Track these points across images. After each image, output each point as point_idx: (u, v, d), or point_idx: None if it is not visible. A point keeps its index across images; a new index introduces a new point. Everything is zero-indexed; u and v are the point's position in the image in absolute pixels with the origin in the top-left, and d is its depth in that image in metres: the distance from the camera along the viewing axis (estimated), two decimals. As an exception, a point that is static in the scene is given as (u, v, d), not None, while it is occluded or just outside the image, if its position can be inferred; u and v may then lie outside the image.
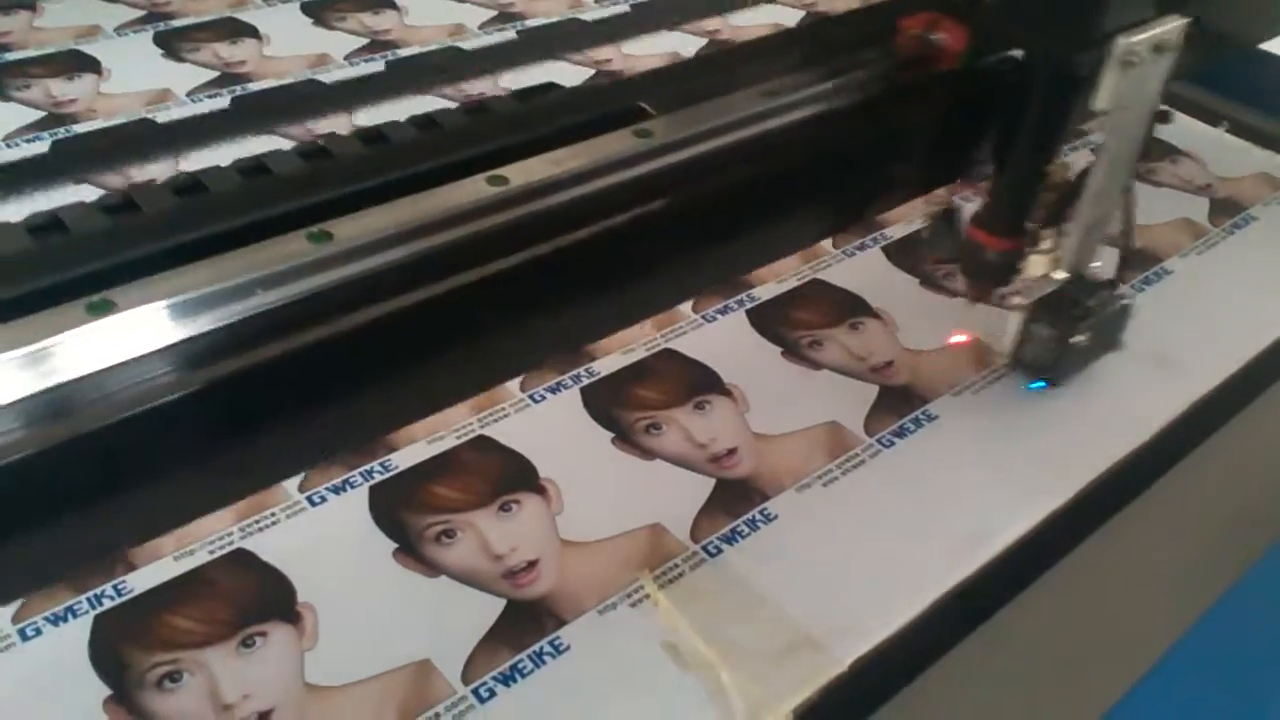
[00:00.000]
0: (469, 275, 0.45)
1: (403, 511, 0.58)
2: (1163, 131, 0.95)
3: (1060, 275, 0.63)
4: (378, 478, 0.59)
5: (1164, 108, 0.62)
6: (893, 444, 0.64)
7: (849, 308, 0.74)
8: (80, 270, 0.39)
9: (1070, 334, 0.64)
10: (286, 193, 0.43)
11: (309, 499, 0.58)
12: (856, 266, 0.78)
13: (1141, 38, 0.55)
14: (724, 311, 0.73)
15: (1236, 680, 0.57)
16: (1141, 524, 0.66)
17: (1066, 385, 0.68)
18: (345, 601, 0.53)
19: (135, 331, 0.38)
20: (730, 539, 0.58)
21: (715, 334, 0.71)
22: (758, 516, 0.59)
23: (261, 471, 0.47)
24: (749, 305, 0.74)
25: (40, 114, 0.87)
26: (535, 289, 0.47)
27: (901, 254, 0.79)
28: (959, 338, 0.73)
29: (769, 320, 0.73)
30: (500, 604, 0.54)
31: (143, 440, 0.40)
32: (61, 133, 0.85)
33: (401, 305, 0.43)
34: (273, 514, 0.57)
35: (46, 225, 0.42)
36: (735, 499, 0.60)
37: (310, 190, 0.43)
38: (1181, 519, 0.66)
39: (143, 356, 0.39)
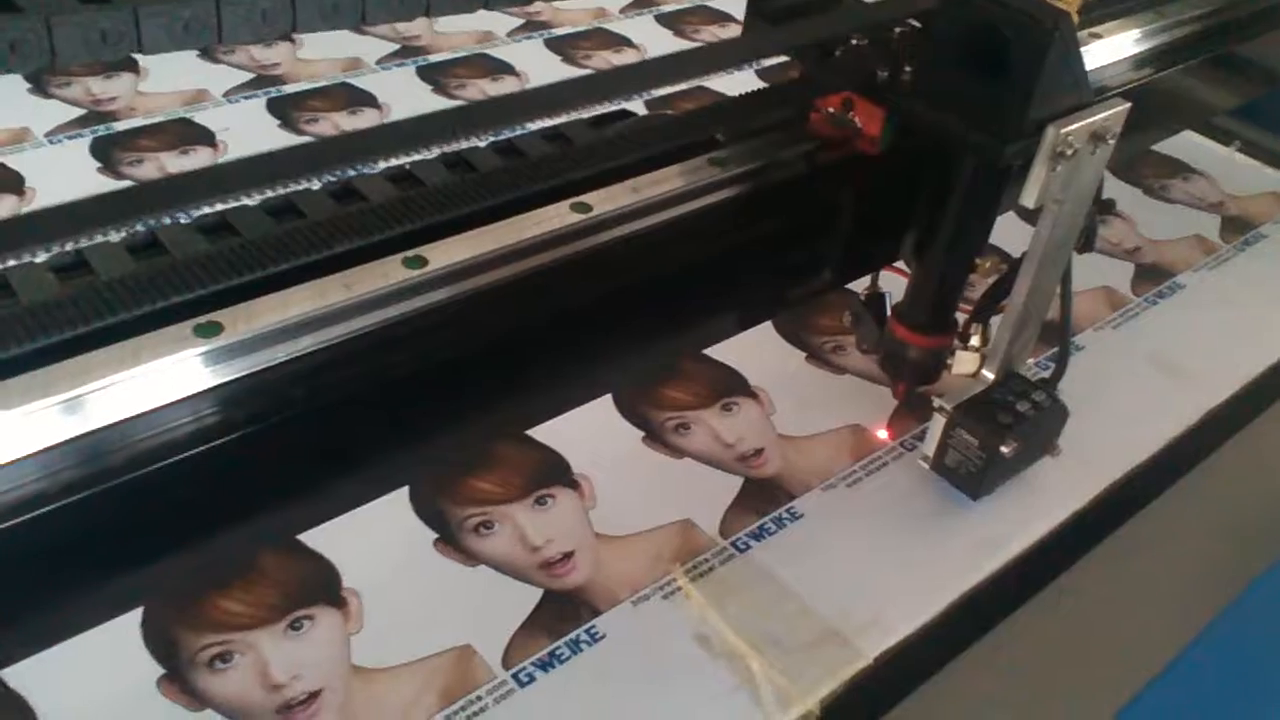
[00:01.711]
0: (557, 300, 0.47)
1: (443, 502, 0.60)
2: (1176, 149, 0.98)
3: (989, 374, 0.59)
4: (417, 470, 0.61)
5: (1107, 197, 0.57)
6: (915, 447, 0.66)
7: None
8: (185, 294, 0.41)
9: (997, 444, 0.57)
10: (380, 219, 0.45)
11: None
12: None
13: (1076, 127, 0.49)
14: (750, 316, 0.75)
15: (1245, 681, 0.59)
16: (1155, 528, 0.68)
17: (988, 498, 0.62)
18: (389, 589, 0.55)
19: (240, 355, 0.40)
20: (758, 535, 0.60)
21: (742, 340, 0.73)
22: (784, 515, 0.61)
23: (354, 494, 0.49)
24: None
25: (81, 111, 0.89)
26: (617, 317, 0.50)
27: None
28: (882, 433, 0.67)
29: (794, 326, 0.75)
30: (538, 594, 0.56)
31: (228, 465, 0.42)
32: (102, 130, 0.87)
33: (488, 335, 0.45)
34: (316, 503, 0.59)
35: (147, 245, 0.44)
36: (763, 497, 0.62)
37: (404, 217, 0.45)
38: (1195, 523, 0.68)
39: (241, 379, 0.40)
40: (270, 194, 0.42)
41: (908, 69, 0.53)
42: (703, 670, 0.53)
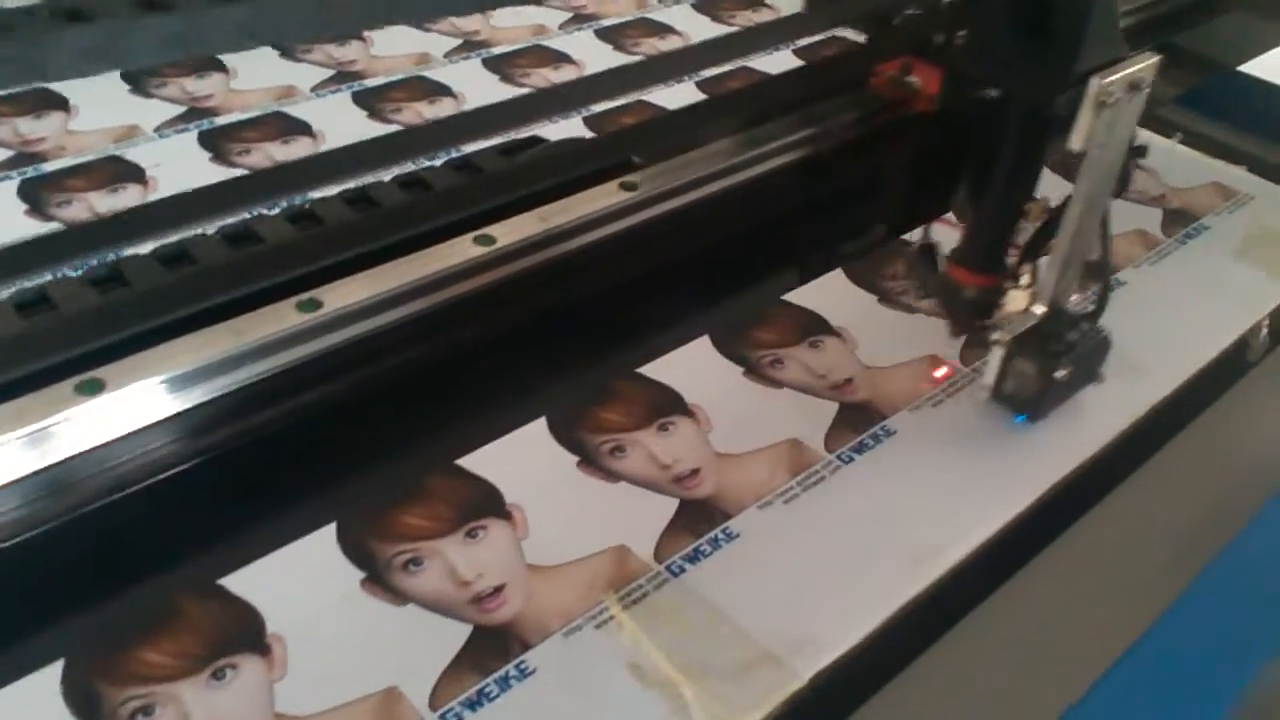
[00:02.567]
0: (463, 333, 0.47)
1: (370, 540, 0.59)
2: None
3: (1040, 310, 0.65)
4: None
5: (1139, 143, 0.63)
6: (852, 460, 0.66)
7: (809, 327, 0.76)
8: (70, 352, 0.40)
9: (1052, 369, 0.64)
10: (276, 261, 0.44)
11: (278, 530, 0.59)
12: (817, 286, 0.80)
13: (1115, 77, 0.56)
14: (688, 333, 0.74)
15: (1190, 680, 0.58)
16: (1100, 531, 0.67)
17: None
18: (315, 633, 0.54)
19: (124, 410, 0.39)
20: (693, 558, 0.59)
21: (678, 356, 0.73)
22: (720, 535, 0.61)
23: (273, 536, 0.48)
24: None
25: (10, 153, 0.88)
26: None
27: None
28: (941, 370, 0.73)
29: (733, 340, 0.74)
30: (467, 629, 0.55)
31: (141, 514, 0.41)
32: (30, 171, 0.86)
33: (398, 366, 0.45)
34: (243, 546, 0.58)
35: (35, 301, 0.43)
36: (699, 519, 0.62)
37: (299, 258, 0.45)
38: (1142, 520, 0.68)
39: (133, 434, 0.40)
40: (164, 241, 0.42)
41: (960, 33, 0.60)
42: (635, 701, 0.52)
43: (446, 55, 1.06)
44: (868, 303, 0.78)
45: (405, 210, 0.48)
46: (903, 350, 0.74)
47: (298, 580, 0.56)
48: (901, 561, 0.60)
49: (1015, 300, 0.65)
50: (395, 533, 0.59)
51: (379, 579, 0.57)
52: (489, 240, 0.48)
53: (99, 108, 0.93)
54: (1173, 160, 0.97)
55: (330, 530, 0.59)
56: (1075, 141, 0.56)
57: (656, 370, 0.71)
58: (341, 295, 0.44)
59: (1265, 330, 0.81)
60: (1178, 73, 0.85)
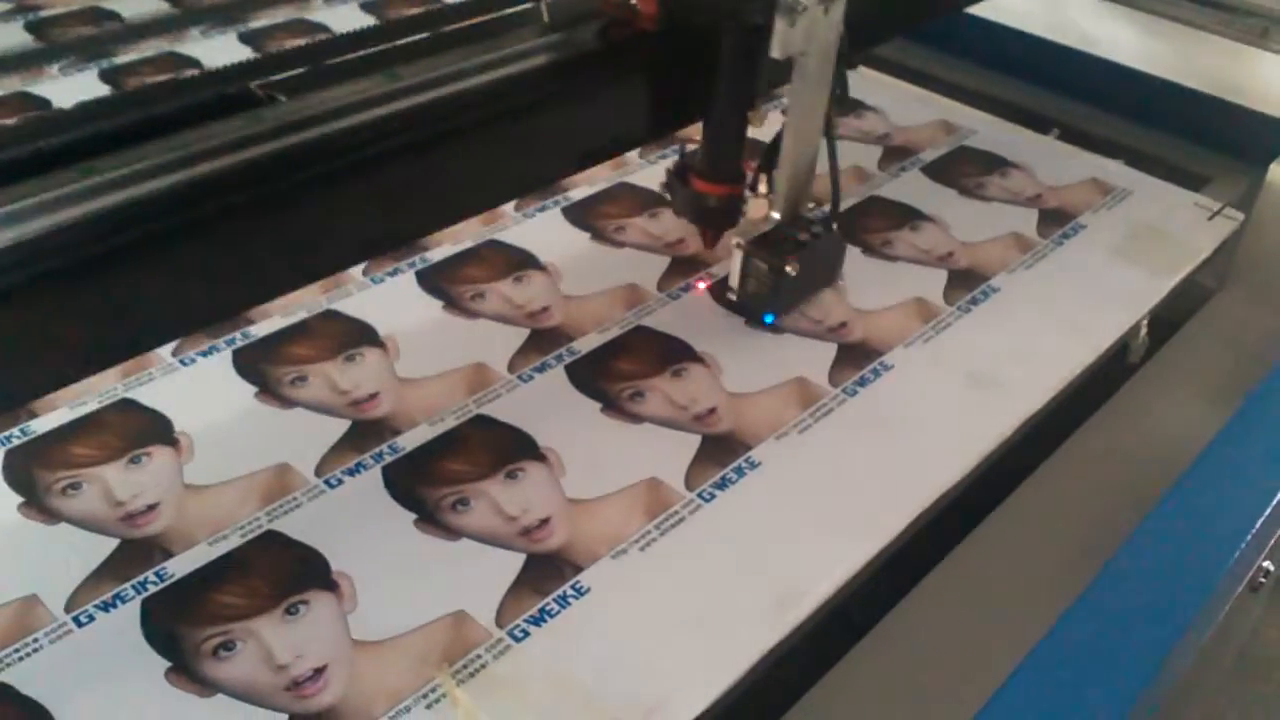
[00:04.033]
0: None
1: (180, 626, 0.53)
2: (993, 144, 0.95)
3: (776, 215, 0.70)
4: (152, 588, 0.55)
5: (854, 96, 0.70)
6: (714, 497, 0.62)
7: (672, 354, 0.72)
8: None
9: (782, 266, 0.69)
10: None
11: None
12: (681, 309, 0.76)
13: None
14: (541, 369, 0.70)
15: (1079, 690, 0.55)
16: (979, 552, 0.65)
17: (786, 319, 0.74)
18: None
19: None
20: (538, 620, 0.55)
21: (531, 394, 0.68)
22: (569, 592, 0.56)
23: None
24: (568, 360, 0.71)
25: None
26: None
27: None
28: (701, 284, 0.77)
29: (588, 374, 0.70)
30: (282, 720, 0.50)
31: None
32: None
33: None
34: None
35: None
36: (545, 575, 0.57)
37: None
38: (1016, 544, 0.65)
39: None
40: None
41: None
42: (468, 787, 0.48)
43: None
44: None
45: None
46: (769, 375, 0.70)
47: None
48: (763, 607, 0.56)
49: (756, 208, 0.71)
50: (207, 614, 0.53)
51: (185, 668, 0.51)
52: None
53: None
54: (1050, 157, 0.94)
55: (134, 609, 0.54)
56: (775, 49, 0.60)
57: (507, 412, 0.66)
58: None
59: (1145, 331, 0.79)
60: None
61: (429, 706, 0.51)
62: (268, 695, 0.50)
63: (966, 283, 0.78)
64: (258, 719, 0.50)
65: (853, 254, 0.79)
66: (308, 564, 0.56)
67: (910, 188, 0.90)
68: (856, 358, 0.72)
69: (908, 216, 0.86)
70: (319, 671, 0.51)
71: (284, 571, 0.56)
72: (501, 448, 0.64)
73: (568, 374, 0.70)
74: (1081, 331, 0.75)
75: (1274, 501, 0.64)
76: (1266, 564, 0.74)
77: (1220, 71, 1.02)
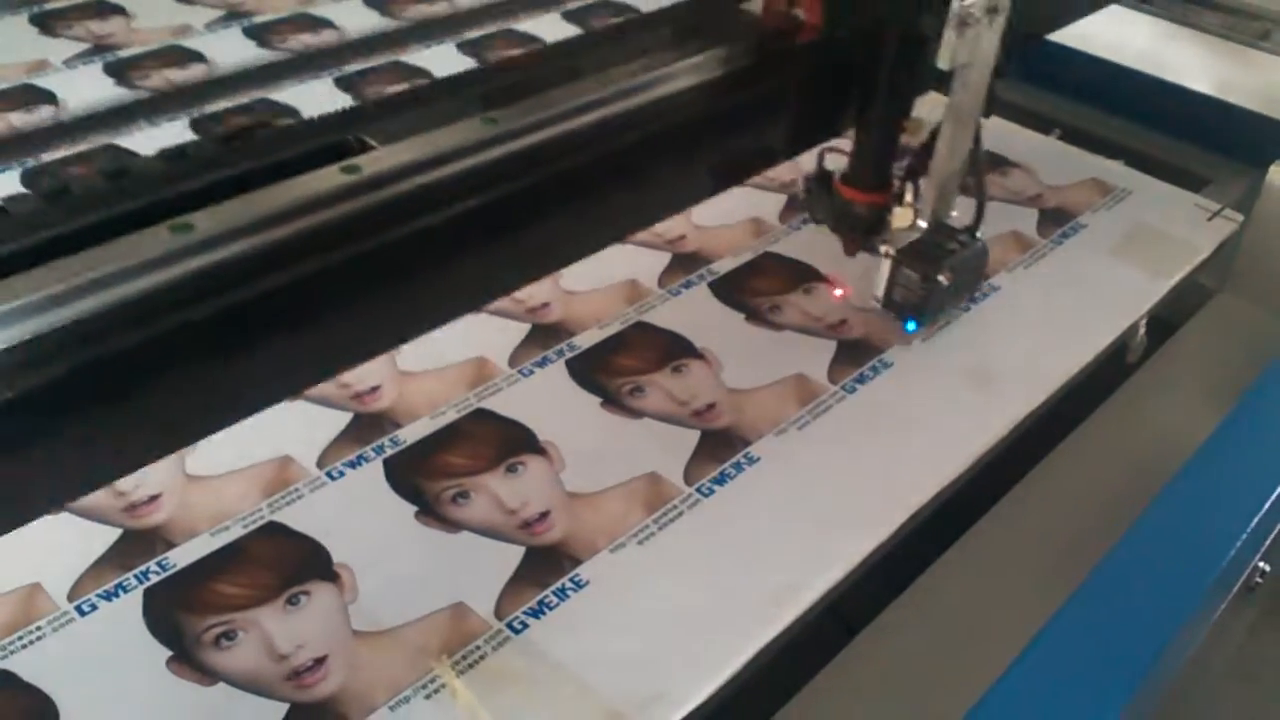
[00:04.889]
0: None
1: (180, 614, 0.54)
2: (995, 143, 0.95)
3: (923, 224, 0.70)
4: (154, 578, 0.55)
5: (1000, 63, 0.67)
6: (712, 492, 0.62)
7: (672, 350, 0.72)
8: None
9: (934, 275, 0.69)
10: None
11: None
12: (681, 305, 0.76)
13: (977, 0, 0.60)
14: (542, 364, 0.70)
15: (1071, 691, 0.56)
16: (979, 548, 0.65)
17: (929, 327, 0.74)
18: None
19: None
20: (537, 612, 0.55)
21: (532, 389, 0.68)
22: (568, 584, 0.57)
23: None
24: (568, 355, 0.71)
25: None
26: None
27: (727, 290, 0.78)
28: (838, 290, 0.78)
29: (588, 369, 0.70)
30: (282, 709, 0.50)
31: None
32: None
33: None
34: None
35: None
36: (545, 568, 0.57)
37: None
38: (1019, 538, 0.66)
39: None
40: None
41: None
42: (466, 777, 0.48)
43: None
44: (735, 322, 0.75)
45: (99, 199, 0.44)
46: (768, 371, 0.70)
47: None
48: (760, 601, 0.56)
49: (901, 217, 0.70)
50: (208, 604, 0.54)
51: (186, 658, 0.52)
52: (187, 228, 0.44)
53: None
54: (1051, 158, 0.95)
55: (137, 602, 0.54)
56: (942, 60, 0.61)
57: (507, 406, 0.67)
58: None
59: (1143, 331, 0.79)
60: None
61: (428, 697, 0.51)
62: (269, 684, 0.51)
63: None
64: (259, 708, 0.50)
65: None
66: (309, 555, 0.57)
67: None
68: (856, 355, 0.72)
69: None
70: (319, 661, 0.52)
71: (285, 562, 0.56)
72: (502, 442, 0.64)
73: (568, 369, 0.70)
74: (1080, 331, 0.75)
75: (1269, 502, 0.65)
76: (1262, 565, 0.75)
77: (1221, 73, 1.02)
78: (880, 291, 0.71)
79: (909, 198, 0.70)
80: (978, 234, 0.71)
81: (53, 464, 0.42)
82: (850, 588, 0.59)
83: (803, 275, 0.79)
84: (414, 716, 0.50)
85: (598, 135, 0.55)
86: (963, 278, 0.71)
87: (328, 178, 0.47)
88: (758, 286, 0.78)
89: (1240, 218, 0.87)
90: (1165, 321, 0.83)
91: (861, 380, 0.70)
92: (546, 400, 0.68)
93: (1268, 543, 0.72)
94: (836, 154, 0.71)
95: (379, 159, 0.49)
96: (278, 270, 0.45)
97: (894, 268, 0.70)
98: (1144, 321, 0.79)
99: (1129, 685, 0.55)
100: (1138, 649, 0.57)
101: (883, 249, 0.70)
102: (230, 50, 0.99)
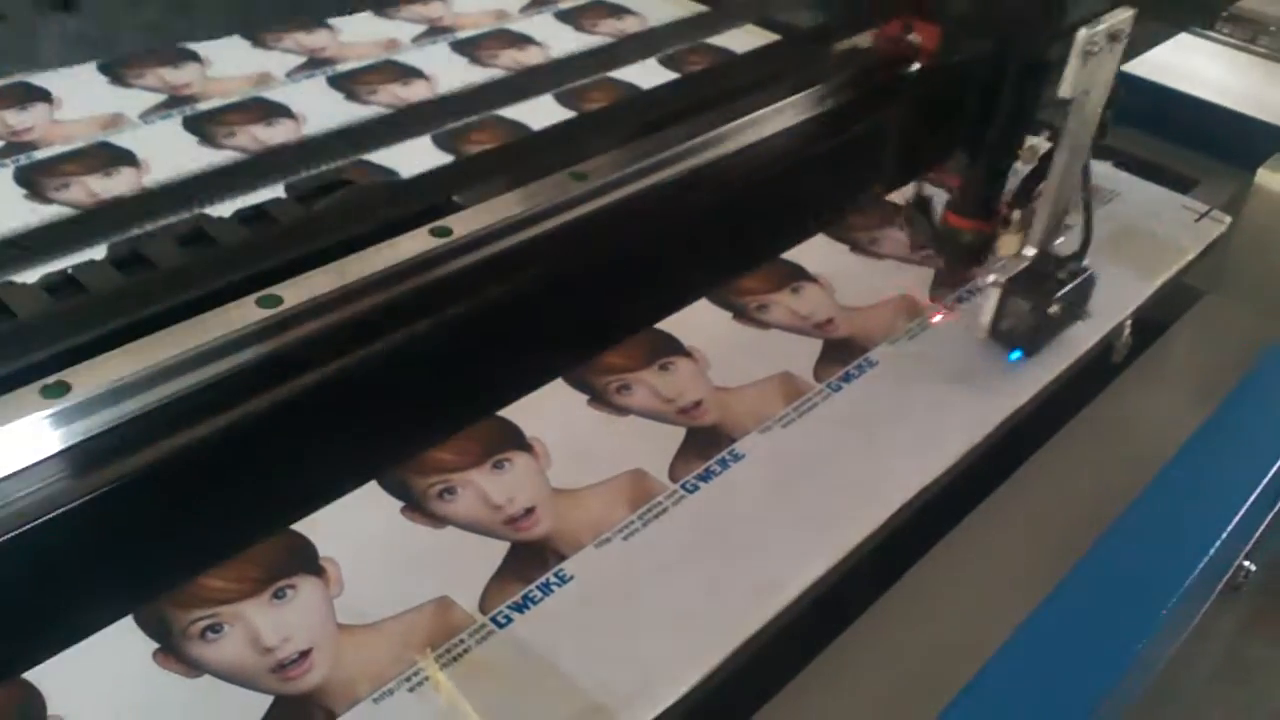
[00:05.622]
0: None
1: (167, 605, 0.54)
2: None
3: (1030, 252, 0.70)
4: (142, 572, 0.56)
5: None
6: (697, 488, 0.63)
7: (660, 348, 0.72)
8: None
9: (1045, 305, 0.68)
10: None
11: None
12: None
13: (1100, 28, 0.61)
14: (530, 361, 0.71)
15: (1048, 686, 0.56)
16: (957, 550, 0.65)
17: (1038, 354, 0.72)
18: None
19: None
20: (521, 607, 0.56)
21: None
22: (552, 579, 0.57)
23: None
24: (556, 353, 0.71)
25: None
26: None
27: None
28: (939, 316, 0.76)
29: (581, 368, 0.70)
30: (267, 700, 0.50)
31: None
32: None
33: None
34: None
35: None
36: (529, 563, 0.58)
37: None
38: (998, 542, 0.66)
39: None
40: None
41: None
42: (448, 769, 0.49)
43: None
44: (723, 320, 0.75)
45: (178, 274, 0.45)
46: (755, 369, 0.71)
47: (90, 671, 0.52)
48: (743, 596, 0.57)
49: (1007, 244, 0.70)
50: (193, 598, 0.54)
51: (173, 649, 0.52)
52: (274, 300, 0.43)
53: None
54: (1039, 159, 0.95)
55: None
56: (1065, 89, 0.61)
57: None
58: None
59: (1128, 331, 0.80)
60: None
61: (412, 689, 0.51)
62: (254, 676, 0.51)
63: (952, 283, 0.79)
64: (244, 699, 0.50)
65: (840, 248, 0.80)
66: (295, 549, 0.57)
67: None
68: (842, 354, 0.73)
69: (892, 214, 0.86)
70: (305, 654, 0.52)
71: (272, 556, 0.57)
72: (488, 438, 0.65)
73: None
74: (1066, 332, 0.76)
75: (1250, 499, 0.65)
76: (1247, 564, 0.75)
77: (1210, 75, 1.03)
78: (986, 320, 0.70)
79: (1016, 224, 0.69)
80: (1084, 261, 0.71)
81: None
82: (835, 583, 0.59)
83: (792, 274, 0.79)
84: (397, 708, 0.51)
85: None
86: (1071, 307, 0.71)
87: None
88: (746, 285, 0.78)
89: (1228, 219, 0.88)
90: (1153, 322, 0.83)
91: (847, 379, 0.71)
92: (533, 397, 0.68)
93: (1252, 541, 0.72)
94: (937, 179, 0.71)
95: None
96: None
97: (1003, 297, 0.69)
98: (1129, 322, 0.79)
99: (1107, 681, 0.56)
100: (1117, 645, 0.58)
101: (990, 278, 0.69)
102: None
